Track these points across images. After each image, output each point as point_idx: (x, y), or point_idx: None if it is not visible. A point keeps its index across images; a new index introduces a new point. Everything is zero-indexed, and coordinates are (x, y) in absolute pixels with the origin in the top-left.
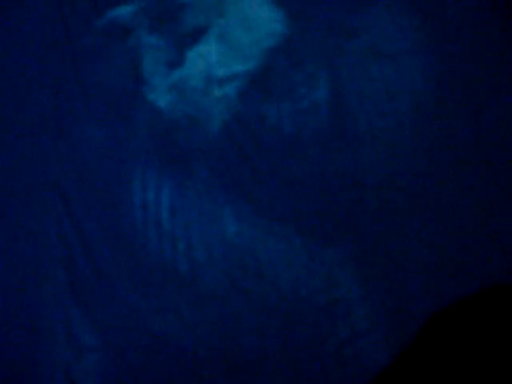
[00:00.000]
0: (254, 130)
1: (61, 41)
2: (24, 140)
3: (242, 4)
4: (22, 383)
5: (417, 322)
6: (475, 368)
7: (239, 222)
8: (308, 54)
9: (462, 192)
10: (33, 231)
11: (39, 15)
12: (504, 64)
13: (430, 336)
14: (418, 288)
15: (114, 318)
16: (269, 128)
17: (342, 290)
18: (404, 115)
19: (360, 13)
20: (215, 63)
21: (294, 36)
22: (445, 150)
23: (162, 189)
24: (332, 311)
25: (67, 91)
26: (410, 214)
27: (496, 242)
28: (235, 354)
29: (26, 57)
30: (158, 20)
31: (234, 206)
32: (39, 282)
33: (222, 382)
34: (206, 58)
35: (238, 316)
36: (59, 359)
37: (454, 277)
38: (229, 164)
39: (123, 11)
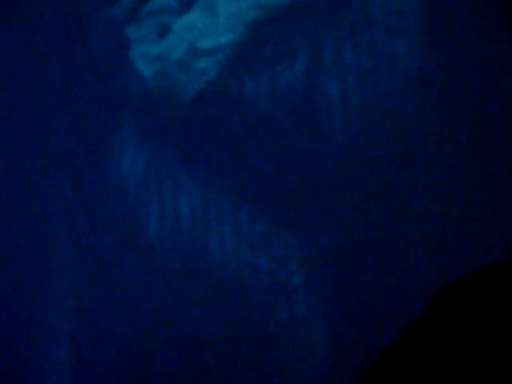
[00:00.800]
0: (228, 104)
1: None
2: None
3: None
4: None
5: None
6: (486, 343)
7: (201, 197)
8: (293, 28)
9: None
10: (40, 209)
11: None
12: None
13: (440, 309)
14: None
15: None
16: (243, 103)
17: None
18: (385, 95)
19: None
20: (199, 35)
21: (282, 9)
22: (428, 138)
23: (137, 159)
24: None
25: (75, 63)
26: (383, 200)
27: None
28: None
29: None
30: None
31: (200, 181)
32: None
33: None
34: (191, 29)
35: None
36: (65, 329)
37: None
38: (198, 136)
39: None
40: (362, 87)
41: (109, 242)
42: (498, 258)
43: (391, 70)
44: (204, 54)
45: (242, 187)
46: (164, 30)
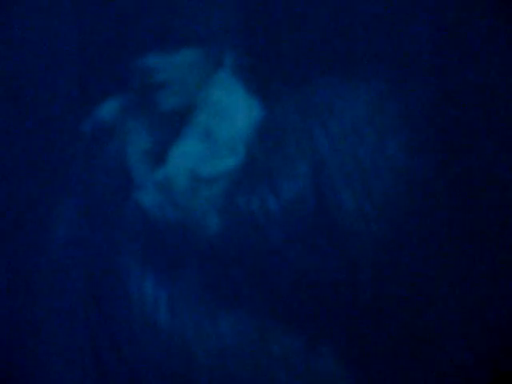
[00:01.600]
0: (244, 231)
1: (48, 149)
2: None
3: (219, 92)
4: None
5: None
6: None
7: (234, 324)
8: (289, 140)
9: (461, 285)
10: None
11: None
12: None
13: None
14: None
15: None
16: (256, 227)
17: None
18: (392, 196)
19: (339, 92)
20: (199, 161)
21: (273, 122)
22: (442, 234)
23: (159, 295)
24: None
25: (54, 194)
26: (405, 306)
27: None
28: None
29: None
30: (138, 110)
31: (229, 310)
32: None
33: None
34: (189, 155)
35: None
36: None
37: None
38: (221, 268)
39: (105, 111)
40: (365, 184)
41: (129, 358)
42: None
43: (390, 170)
44: (207, 182)
45: (286, 314)
46: (157, 161)
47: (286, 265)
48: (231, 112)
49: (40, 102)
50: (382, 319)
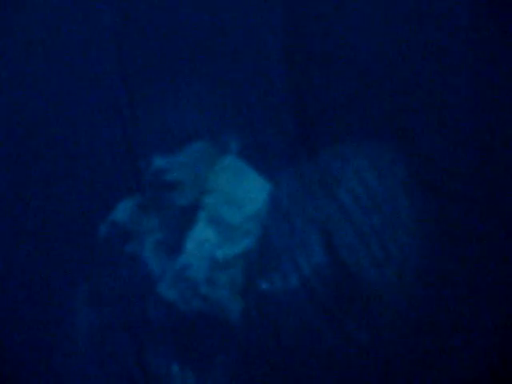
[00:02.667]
0: (266, 311)
1: (66, 258)
2: None
3: (226, 177)
4: None
5: None
6: None
7: None
8: (297, 215)
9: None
10: None
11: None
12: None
13: None
14: None
15: None
16: (279, 305)
17: None
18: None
19: (342, 162)
20: (214, 247)
21: (282, 199)
22: (462, 298)
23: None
24: None
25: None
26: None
27: None
28: None
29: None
30: (152, 208)
31: None
32: None
33: None
34: (204, 243)
35: None
36: None
37: None
38: (250, 356)
39: (122, 211)
40: (383, 249)
41: None
42: None
43: (407, 233)
44: (225, 265)
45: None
46: (176, 249)
47: (316, 344)
48: (239, 194)
49: (55, 207)
50: None
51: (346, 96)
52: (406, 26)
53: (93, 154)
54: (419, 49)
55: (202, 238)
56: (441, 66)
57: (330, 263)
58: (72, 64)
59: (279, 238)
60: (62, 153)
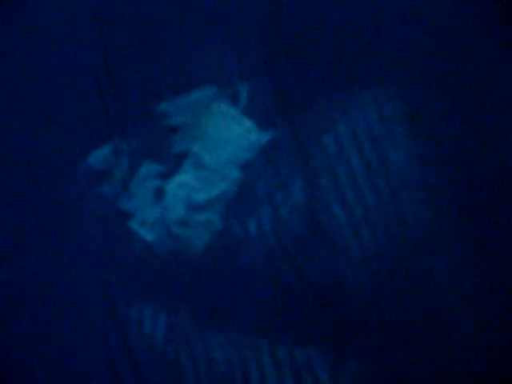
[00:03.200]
0: (236, 248)
1: (43, 193)
2: None
3: (215, 122)
4: None
5: None
6: None
7: (222, 340)
8: (284, 160)
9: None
10: None
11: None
12: None
13: None
14: None
15: None
16: (251, 242)
17: None
18: (388, 212)
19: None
20: (194, 190)
21: (268, 144)
22: (435, 251)
23: (157, 321)
24: None
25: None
26: (399, 319)
27: None
28: None
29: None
30: (140, 154)
31: (224, 331)
32: None
33: None
34: (183, 187)
35: None
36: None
37: None
38: (211, 290)
39: (100, 154)
40: (361, 198)
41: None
42: None
43: (387, 177)
44: (203, 207)
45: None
46: (158, 194)
47: (275, 278)
48: (226, 139)
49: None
50: (371, 333)
51: (341, 45)
52: None
53: (69, 103)
54: None
55: (181, 183)
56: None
57: (307, 209)
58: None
59: (260, 184)
60: (39, 102)
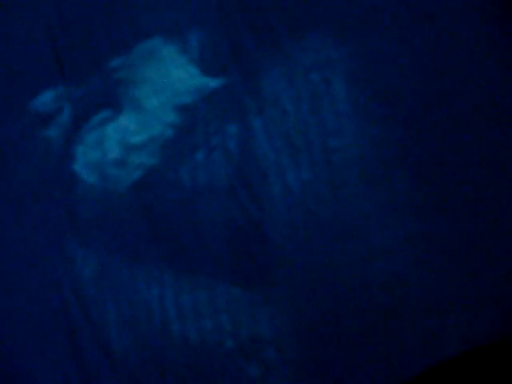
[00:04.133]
0: (165, 188)
1: None
2: None
3: (159, 68)
4: None
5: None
6: None
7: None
8: (223, 106)
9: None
10: None
11: None
12: None
13: None
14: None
15: None
16: (181, 186)
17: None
18: (321, 168)
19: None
20: (132, 133)
21: (210, 90)
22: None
23: (86, 259)
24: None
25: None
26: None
27: None
28: None
29: None
30: (80, 101)
31: (146, 267)
32: None
33: None
34: (123, 129)
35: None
36: None
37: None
38: (137, 225)
39: (42, 100)
40: (291, 146)
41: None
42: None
43: (320, 126)
44: (138, 148)
45: (191, 265)
46: (100, 138)
47: (200, 213)
48: (168, 83)
49: None
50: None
51: None
52: None
53: (16, 46)
54: None
55: (119, 126)
56: None
57: (237, 161)
58: None
59: (198, 128)
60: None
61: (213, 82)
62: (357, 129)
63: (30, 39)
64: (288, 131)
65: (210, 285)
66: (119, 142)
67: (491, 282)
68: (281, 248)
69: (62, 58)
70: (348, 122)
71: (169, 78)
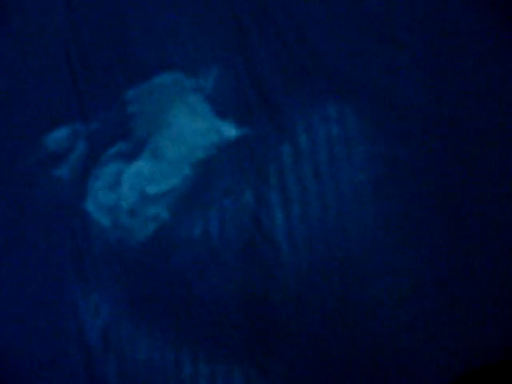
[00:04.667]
0: (179, 245)
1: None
2: None
3: (182, 115)
4: None
5: None
6: None
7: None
8: (239, 164)
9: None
10: None
11: None
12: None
13: None
14: None
15: None
16: (194, 242)
17: None
18: (333, 228)
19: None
20: (148, 181)
21: (226, 146)
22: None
23: (99, 310)
24: None
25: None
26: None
27: None
28: None
29: None
30: (99, 138)
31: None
32: None
33: None
34: (141, 176)
35: None
36: None
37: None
38: (150, 280)
39: (56, 136)
40: (306, 214)
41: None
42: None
43: (337, 196)
44: (153, 200)
45: (197, 328)
46: (115, 180)
47: (213, 275)
48: (187, 134)
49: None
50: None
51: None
52: None
53: (34, 77)
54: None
55: (138, 171)
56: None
57: (252, 222)
58: None
59: (212, 185)
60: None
61: (232, 132)
62: (376, 204)
63: (48, 69)
64: (308, 202)
65: (211, 357)
66: (134, 189)
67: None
68: (285, 323)
69: (81, 91)
70: (368, 199)
71: (189, 126)
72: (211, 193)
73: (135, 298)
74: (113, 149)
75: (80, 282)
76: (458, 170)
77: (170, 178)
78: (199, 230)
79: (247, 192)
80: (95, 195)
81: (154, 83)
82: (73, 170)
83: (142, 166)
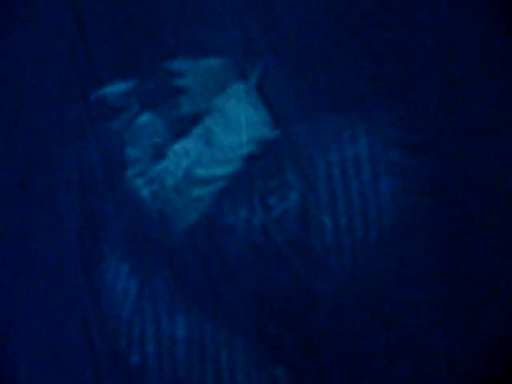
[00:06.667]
0: (221, 238)
1: (46, 117)
2: None
3: (233, 103)
4: None
5: None
6: None
7: (189, 329)
8: (288, 164)
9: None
10: None
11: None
12: None
13: None
14: None
15: None
16: (236, 237)
17: None
18: (374, 231)
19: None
20: (195, 162)
21: (278, 143)
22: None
23: (129, 282)
24: None
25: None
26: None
27: None
28: None
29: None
30: (150, 102)
31: (188, 315)
32: None
33: None
34: (188, 155)
35: None
36: None
37: None
38: (188, 271)
39: (114, 90)
40: (352, 226)
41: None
42: None
43: (379, 210)
44: (200, 182)
45: (237, 315)
46: (158, 154)
47: (256, 275)
48: (238, 124)
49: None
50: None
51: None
52: None
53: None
54: None
55: (187, 150)
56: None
57: (298, 216)
58: None
59: (258, 181)
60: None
61: (279, 134)
62: (413, 213)
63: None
64: (353, 216)
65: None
66: (183, 168)
67: None
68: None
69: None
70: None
71: (243, 117)
72: (257, 189)
73: (174, 279)
74: (158, 118)
75: (107, 248)
76: None
77: (221, 164)
78: (242, 222)
79: (293, 194)
80: (138, 162)
81: (201, 64)
82: (123, 127)
83: (190, 145)
